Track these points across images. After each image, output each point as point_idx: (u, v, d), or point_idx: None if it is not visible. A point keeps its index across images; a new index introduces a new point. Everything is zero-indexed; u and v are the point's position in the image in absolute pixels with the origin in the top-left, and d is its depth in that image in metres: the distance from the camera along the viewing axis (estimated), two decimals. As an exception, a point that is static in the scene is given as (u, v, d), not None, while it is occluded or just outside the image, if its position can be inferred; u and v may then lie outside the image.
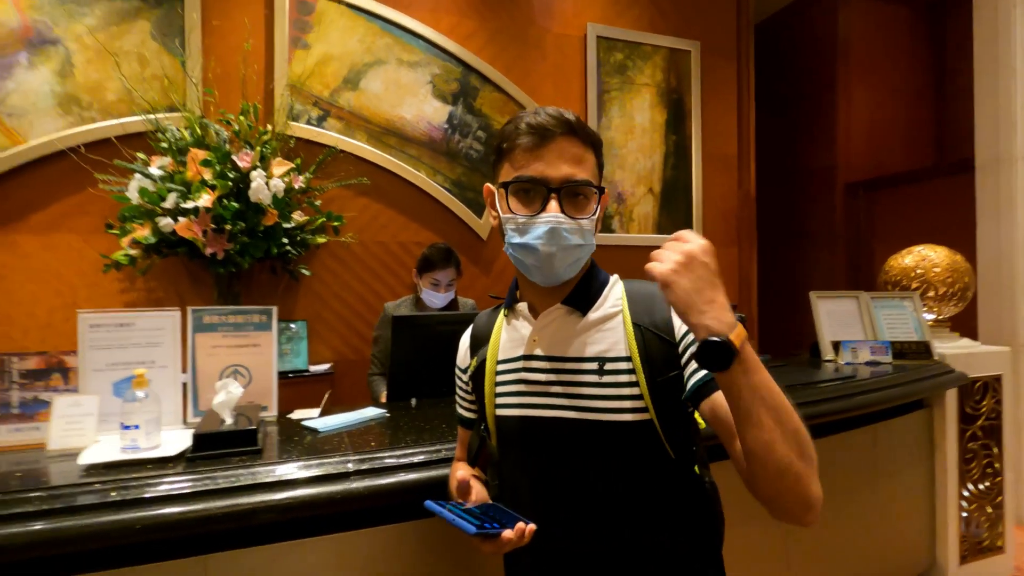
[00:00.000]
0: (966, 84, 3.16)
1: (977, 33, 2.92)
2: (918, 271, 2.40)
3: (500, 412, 0.85)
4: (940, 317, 2.44)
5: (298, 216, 2.36)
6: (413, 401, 1.55)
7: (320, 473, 1.01)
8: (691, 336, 0.75)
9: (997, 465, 2.29)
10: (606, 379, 0.77)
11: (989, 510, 2.27)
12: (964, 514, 2.22)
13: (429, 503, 0.72)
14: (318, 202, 2.50)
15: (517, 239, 0.78)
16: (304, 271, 2.49)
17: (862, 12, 3.91)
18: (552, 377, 0.80)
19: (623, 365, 0.77)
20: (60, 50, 2.29)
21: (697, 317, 0.62)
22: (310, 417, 1.31)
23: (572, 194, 0.77)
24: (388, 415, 1.38)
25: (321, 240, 2.46)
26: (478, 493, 0.82)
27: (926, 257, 2.41)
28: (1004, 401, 2.32)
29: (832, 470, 1.84)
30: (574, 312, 0.83)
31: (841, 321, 2.30)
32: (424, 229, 2.84)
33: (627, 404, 0.76)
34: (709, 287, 0.63)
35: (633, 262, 3.44)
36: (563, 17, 3.14)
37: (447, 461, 1.09)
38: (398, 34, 2.78)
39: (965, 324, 2.84)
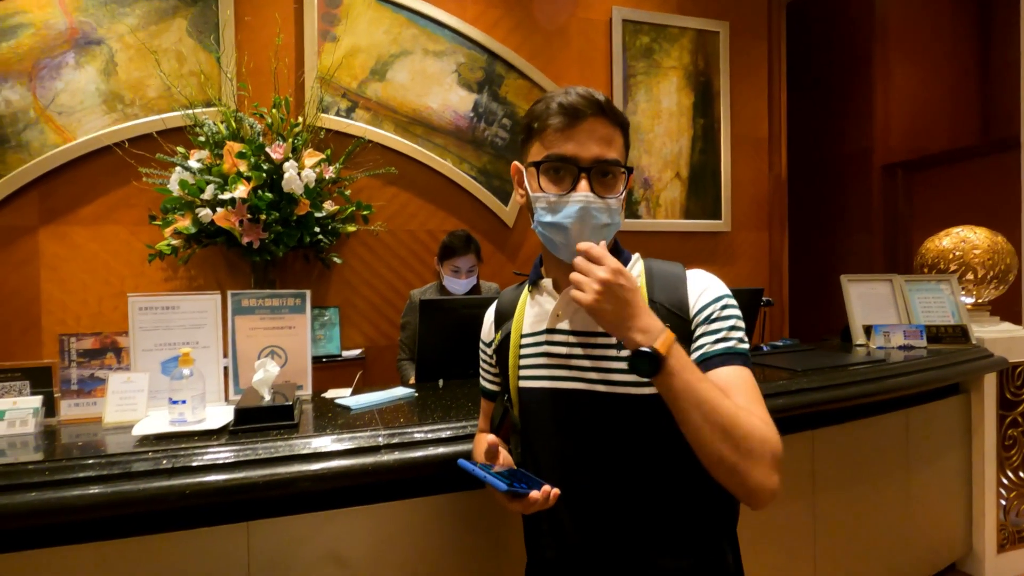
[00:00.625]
0: (1013, 58, 3.02)
1: (1024, 4, 2.78)
2: (956, 253, 2.33)
3: (524, 384, 0.88)
4: (980, 300, 2.37)
5: (329, 206, 2.43)
6: (440, 382, 1.60)
7: (353, 446, 1.06)
8: (708, 312, 0.80)
9: (1039, 452, 2.22)
10: (624, 353, 0.78)
11: (1030, 498, 2.21)
12: (1003, 502, 2.17)
13: (462, 461, 0.76)
14: (348, 192, 2.56)
15: (548, 218, 0.80)
16: (336, 259, 2.57)
17: (901, -14, 3.75)
18: (575, 351, 0.83)
19: None
20: (104, 49, 2.40)
21: (625, 333, 0.70)
22: (342, 396, 1.37)
23: (602, 173, 0.79)
24: (416, 395, 1.43)
25: (351, 229, 2.53)
26: (504, 458, 0.85)
27: (965, 239, 2.34)
28: (1047, 387, 2.24)
29: (862, 454, 1.83)
30: None
31: (874, 305, 2.26)
32: (451, 217, 2.89)
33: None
34: (628, 306, 0.69)
35: (660, 247, 3.43)
36: (588, 1, 3.12)
37: (473, 437, 1.13)
38: (424, 24, 2.81)
39: (1009, 308, 2.74)
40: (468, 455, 1.11)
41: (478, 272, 2.29)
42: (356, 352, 2.63)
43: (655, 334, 0.69)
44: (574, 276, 0.72)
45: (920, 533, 2.00)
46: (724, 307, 0.80)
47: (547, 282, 0.90)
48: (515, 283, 1.03)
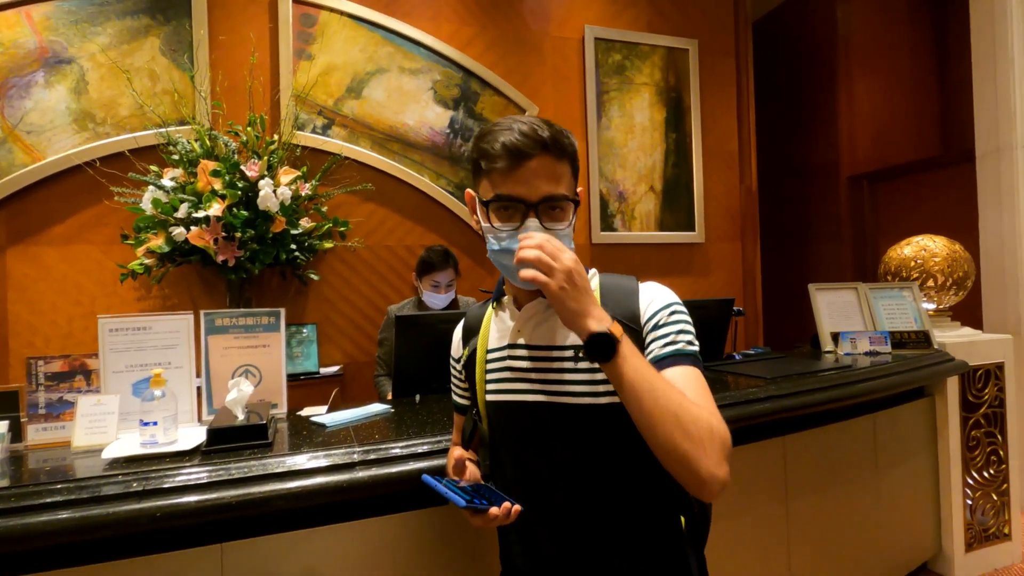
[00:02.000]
0: (967, 73, 3.16)
1: (974, 24, 2.93)
2: (917, 261, 2.42)
3: (490, 398, 0.91)
4: (941, 307, 2.46)
5: (305, 222, 2.43)
6: (417, 397, 1.60)
7: (327, 464, 1.07)
8: (657, 318, 0.83)
9: (1001, 452, 2.30)
10: (582, 365, 0.82)
11: (994, 497, 2.28)
12: (969, 502, 2.24)
13: (426, 477, 0.78)
14: (324, 208, 2.57)
15: (497, 246, 0.83)
16: (313, 276, 2.56)
17: (861, 4, 3.91)
18: (533, 364, 0.86)
19: None
20: (75, 68, 2.38)
21: (582, 320, 0.72)
22: (318, 413, 1.37)
23: (550, 208, 0.82)
24: (393, 410, 1.44)
25: (328, 245, 2.53)
26: (471, 472, 0.88)
27: (925, 247, 2.43)
28: (1007, 388, 2.32)
29: (833, 458, 1.87)
30: None
31: (841, 313, 2.32)
32: (429, 232, 2.90)
33: (601, 388, 0.81)
34: (586, 294, 0.73)
35: (635, 259, 3.48)
36: (561, 20, 3.19)
37: (448, 451, 1.14)
38: (399, 43, 2.85)
39: (970, 313, 2.85)
40: (442, 469, 1.12)
41: (456, 287, 2.31)
42: (334, 369, 2.61)
43: (607, 322, 0.72)
44: (540, 257, 0.72)
45: (891, 534, 2.05)
46: (672, 313, 0.82)
47: (508, 299, 0.93)
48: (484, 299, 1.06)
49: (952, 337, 2.30)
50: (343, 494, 1.04)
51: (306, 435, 1.21)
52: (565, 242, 0.83)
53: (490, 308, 0.97)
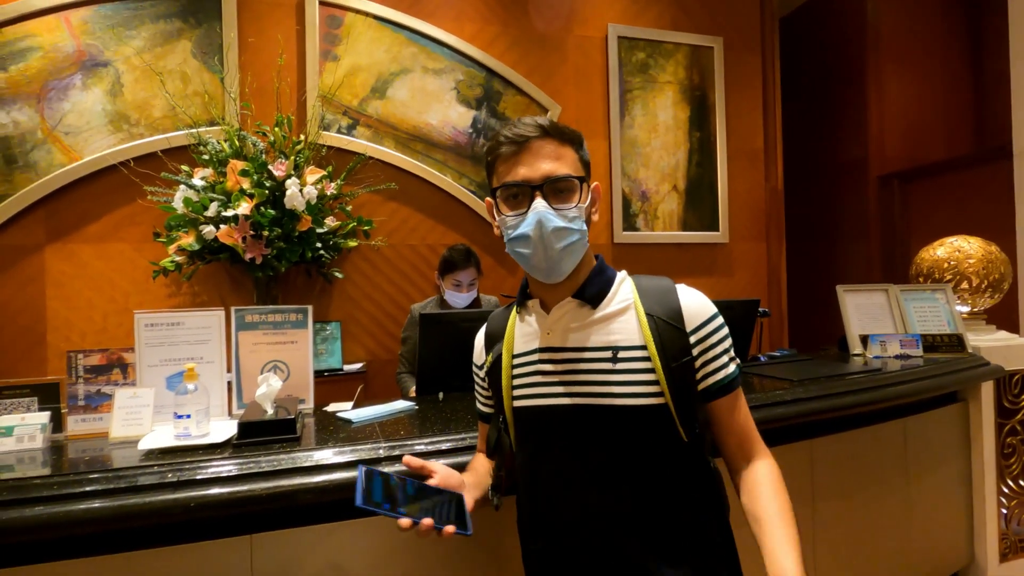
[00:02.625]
0: (1004, 68, 3.07)
1: (1013, 18, 2.84)
2: (950, 263, 2.35)
3: (518, 404, 0.90)
4: (975, 309, 2.39)
5: (331, 221, 2.47)
6: (440, 395, 1.62)
7: (354, 459, 1.08)
8: (707, 330, 0.85)
9: (1039, 460, 2.22)
10: (620, 366, 0.82)
11: (1031, 507, 2.21)
12: (1004, 511, 2.17)
13: (360, 467, 0.82)
14: (349, 207, 2.60)
15: (511, 234, 0.84)
16: (337, 274, 2.60)
17: (892, -1, 3.82)
18: (567, 367, 0.85)
19: (638, 353, 0.83)
20: (111, 71, 2.45)
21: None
22: (344, 409, 1.39)
23: (555, 190, 0.83)
24: (417, 408, 1.45)
25: (353, 244, 2.56)
26: (446, 478, 0.90)
27: (959, 248, 2.36)
28: (1045, 395, 2.25)
29: (861, 463, 1.83)
30: (584, 305, 0.88)
31: (870, 315, 2.27)
32: (451, 231, 2.92)
33: (642, 389, 0.81)
34: None
35: (658, 259, 3.46)
36: (583, 19, 3.18)
37: (472, 448, 1.15)
38: (423, 43, 2.87)
39: (1006, 317, 2.76)
40: (465, 466, 1.12)
41: (479, 286, 2.32)
42: (358, 366, 2.65)
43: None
44: None
45: (921, 542, 2.00)
46: (718, 327, 0.86)
47: (534, 302, 0.92)
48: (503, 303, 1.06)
49: (987, 341, 2.23)
50: (369, 489, 1.05)
51: (333, 430, 1.23)
52: (576, 222, 0.83)
53: (514, 312, 0.96)
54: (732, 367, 0.86)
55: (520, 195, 0.83)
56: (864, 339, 2.20)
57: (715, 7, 3.44)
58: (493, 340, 0.97)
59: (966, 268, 2.32)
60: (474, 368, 1.04)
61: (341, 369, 2.56)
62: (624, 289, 0.89)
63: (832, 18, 4.06)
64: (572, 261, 0.86)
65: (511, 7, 3.04)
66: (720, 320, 0.87)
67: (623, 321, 0.85)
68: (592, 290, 0.88)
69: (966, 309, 2.38)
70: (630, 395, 0.81)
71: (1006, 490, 2.18)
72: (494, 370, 0.95)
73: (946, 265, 2.36)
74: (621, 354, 0.83)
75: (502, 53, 3.01)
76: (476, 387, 1.04)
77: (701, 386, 0.85)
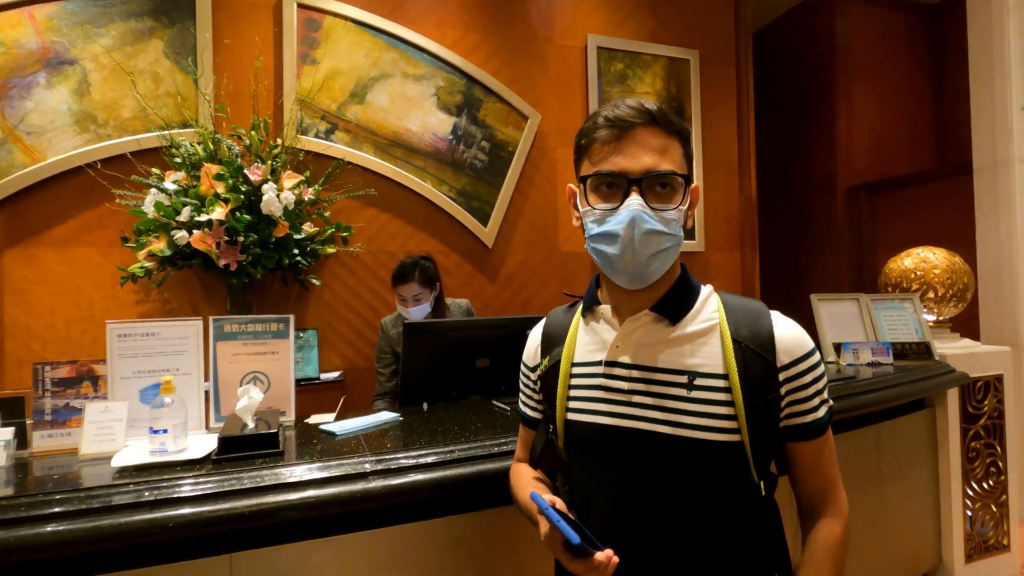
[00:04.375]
0: (965, 86, 3.20)
1: (972, 38, 2.97)
2: (917, 273, 2.44)
3: (572, 416, 0.82)
4: (940, 318, 2.47)
5: (308, 227, 2.42)
6: (425, 405, 1.59)
7: (340, 473, 1.06)
8: (800, 368, 0.76)
9: (1001, 464, 2.31)
10: (695, 395, 0.74)
11: (994, 509, 2.29)
12: (969, 513, 2.25)
13: (535, 495, 0.70)
14: (327, 213, 2.56)
15: (595, 229, 0.75)
16: (314, 281, 2.55)
17: (860, 18, 3.97)
18: (637, 387, 0.77)
19: (717, 383, 0.74)
20: (77, 70, 2.36)
21: None
22: (326, 421, 1.36)
23: (655, 185, 0.74)
24: (401, 419, 1.43)
25: (331, 250, 2.52)
26: (562, 508, 0.75)
27: (925, 259, 2.45)
28: (1006, 400, 2.34)
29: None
30: (662, 320, 0.79)
31: (843, 323, 2.33)
32: (431, 238, 2.90)
33: (718, 423, 0.73)
34: None
35: (637, 268, 3.47)
36: (564, 29, 3.21)
37: (460, 461, 1.14)
38: (403, 48, 2.85)
39: (967, 325, 2.87)
40: (456, 480, 1.11)
41: (437, 296, 2.23)
42: (335, 375, 2.60)
43: None
44: None
45: (892, 545, 2.05)
46: (814, 366, 0.77)
47: (605, 309, 0.83)
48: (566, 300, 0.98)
49: (952, 348, 2.32)
50: (356, 504, 1.03)
51: (316, 443, 1.20)
52: (673, 227, 0.75)
53: (577, 315, 0.87)
54: (823, 411, 0.78)
55: (615, 187, 0.74)
56: (837, 347, 2.26)
57: (692, 21, 3.51)
58: (552, 343, 0.88)
59: (932, 278, 2.40)
60: (524, 368, 0.95)
61: (318, 378, 2.51)
62: (709, 307, 0.80)
63: (803, 34, 4.19)
64: (661, 269, 0.77)
65: (493, 15, 3.05)
66: (817, 358, 0.78)
67: (705, 343, 0.76)
68: (674, 304, 0.79)
69: (932, 318, 2.47)
70: (703, 428, 0.73)
71: (971, 493, 2.26)
72: (549, 375, 0.86)
73: (913, 275, 2.44)
74: (698, 380, 0.74)
75: (483, 61, 3.00)
76: (524, 389, 0.95)
77: (784, 424, 0.77)
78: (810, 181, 4.14)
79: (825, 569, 0.77)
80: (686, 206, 0.77)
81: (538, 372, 0.90)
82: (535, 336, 0.94)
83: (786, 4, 4.25)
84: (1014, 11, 2.78)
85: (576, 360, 0.84)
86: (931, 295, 2.42)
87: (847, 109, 3.92)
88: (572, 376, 0.84)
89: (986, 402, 2.30)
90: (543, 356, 0.90)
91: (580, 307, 0.89)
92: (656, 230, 0.73)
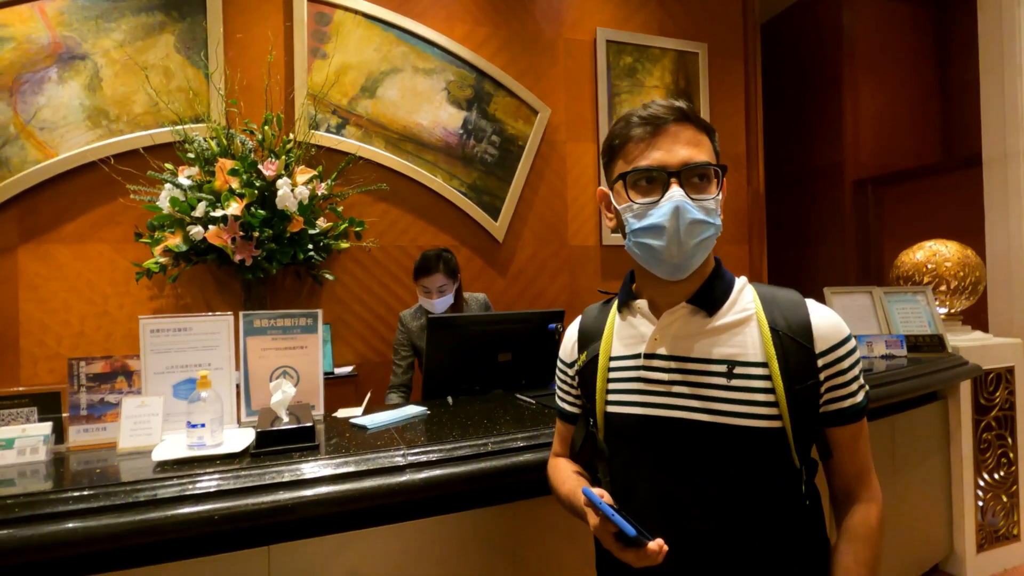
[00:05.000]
0: (972, 79, 3.21)
1: (982, 31, 2.97)
2: (929, 266, 2.45)
3: (612, 409, 0.84)
4: (952, 311, 2.49)
5: (322, 222, 2.42)
6: (449, 399, 1.60)
7: (376, 467, 1.06)
8: (838, 354, 0.77)
9: (1012, 455, 2.33)
10: (735, 383, 0.76)
11: (1004, 499, 2.32)
12: (980, 503, 2.27)
13: (587, 491, 0.71)
14: (340, 208, 2.56)
15: (638, 224, 0.77)
16: (328, 276, 2.55)
17: (867, 9, 3.96)
18: (676, 377, 0.79)
19: (757, 371, 0.76)
20: (89, 64, 2.35)
21: None
22: (355, 415, 1.37)
23: (693, 176, 0.76)
24: (428, 412, 1.44)
25: (344, 245, 2.52)
26: (609, 501, 0.76)
27: (937, 252, 2.46)
28: (1017, 392, 2.36)
29: (852, 461, 1.89)
30: (699, 312, 0.81)
31: (856, 316, 2.35)
32: (442, 233, 2.90)
33: (759, 410, 0.74)
34: None
35: (647, 261, 3.48)
36: (573, 22, 3.20)
37: (493, 454, 1.15)
38: (413, 42, 2.84)
39: (976, 318, 2.89)
40: (491, 472, 1.12)
41: (457, 288, 2.25)
42: (348, 369, 2.60)
43: None
44: None
45: (905, 536, 2.07)
46: (851, 351, 0.79)
47: (642, 303, 0.85)
48: (600, 298, 0.99)
49: (964, 341, 2.33)
50: (395, 496, 1.04)
51: (349, 437, 1.21)
52: (714, 215, 0.77)
53: (613, 310, 0.89)
54: (860, 396, 0.79)
55: (655, 181, 0.76)
56: (851, 340, 2.27)
57: (700, 14, 3.50)
58: (589, 338, 0.90)
59: (944, 271, 2.42)
60: (560, 365, 0.97)
61: (332, 373, 2.51)
62: (745, 297, 0.82)
63: (809, 26, 4.18)
64: (702, 257, 0.79)
65: (502, 9, 3.04)
66: (853, 343, 0.79)
67: (743, 333, 0.78)
68: (710, 295, 0.81)
69: (944, 310, 2.48)
70: (744, 415, 0.74)
71: (982, 483, 2.28)
72: (587, 370, 0.88)
73: (925, 268, 2.46)
74: (738, 369, 0.76)
75: (493, 55, 3.00)
76: (561, 385, 0.97)
77: (823, 410, 0.78)
78: (817, 174, 4.14)
79: (864, 553, 0.79)
80: (722, 196, 0.79)
81: (576, 367, 0.92)
82: (571, 333, 0.96)
83: (792, -3, 4.25)
84: (1025, 3, 2.79)
85: (614, 354, 0.86)
86: (943, 288, 2.43)
87: (853, 101, 3.92)
88: (611, 370, 0.85)
89: (997, 394, 2.32)
90: (580, 352, 0.91)
91: (615, 303, 0.91)
92: (699, 219, 0.75)
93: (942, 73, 4.12)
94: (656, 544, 0.66)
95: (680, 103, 0.77)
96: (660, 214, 0.75)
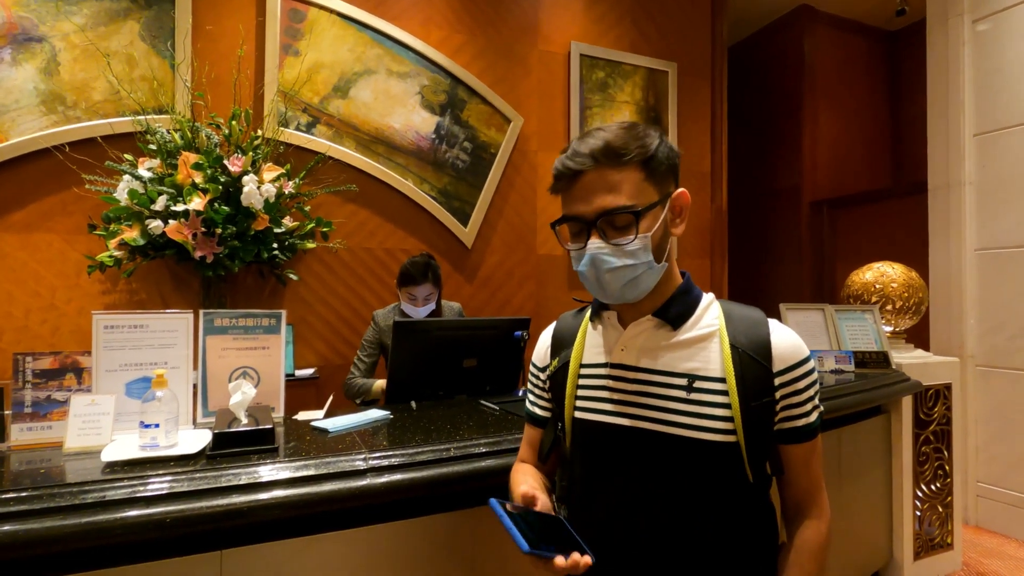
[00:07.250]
0: (920, 112, 3.40)
1: (930, 68, 3.15)
2: (877, 286, 2.57)
3: (579, 415, 0.86)
4: (897, 329, 2.62)
5: (288, 221, 2.38)
6: (412, 403, 1.60)
7: (336, 471, 1.05)
8: (795, 374, 0.79)
9: (947, 467, 2.46)
10: (694, 396, 0.78)
11: (940, 509, 2.44)
12: (918, 513, 2.39)
13: (493, 502, 0.71)
14: (308, 208, 2.52)
15: (575, 267, 0.83)
16: (292, 276, 2.50)
17: (825, 40, 4.16)
18: (638, 388, 0.82)
19: (716, 386, 0.78)
20: (46, 48, 2.26)
21: None
22: (316, 418, 1.35)
23: (611, 223, 0.78)
24: (391, 416, 1.43)
25: (311, 245, 2.48)
26: (543, 504, 0.79)
27: (885, 273, 2.59)
28: (953, 408, 2.50)
29: (801, 471, 1.96)
30: (664, 325, 0.83)
31: (808, 332, 2.44)
32: (410, 236, 2.89)
33: (715, 424, 0.77)
34: None
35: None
36: (548, 35, 3.25)
37: (456, 459, 1.15)
38: (388, 45, 2.83)
39: (918, 336, 3.04)
40: (452, 477, 1.12)
41: (439, 296, 2.27)
42: (310, 371, 2.56)
43: None
44: None
45: (848, 545, 2.16)
46: (807, 372, 0.81)
47: (611, 314, 0.88)
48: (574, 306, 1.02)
49: (907, 358, 2.46)
50: (355, 501, 1.03)
51: (310, 440, 1.19)
52: (639, 255, 0.78)
53: (586, 319, 0.93)
54: (814, 416, 0.82)
55: (578, 228, 0.80)
56: (803, 355, 2.36)
57: (671, 34, 3.61)
58: (561, 345, 0.93)
59: (891, 291, 2.54)
60: (533, 369, 0.99)
61: (293, 375, 2.46)
62: (710, 314, 0.84)
63: (774, 53, 4.35)
64: (638, 291, 0.81)
65: (478, 17, 3.06)
66: (811, 365, 0.81)
67: (704, 348, 0.80)
68: (674, 311, 0.83)
69: (889, 329, 2.61)
70: (700, 428, 0.77)
71: (920, 494, 2.40)
72: (559, 376, 0.91)
73: (873, 288, 2.58)
74: (697, 383, 0.79)
75: (468, 62, 3.01)
76: (532, 389, 0.99)
77: (778, 427, 0.81)
78: (776, 194, 4.30)
79: (809, 566, 0.82)
80: (657, 225, 0.80)
81: (548, 372, 0.94)
82: (545, 338, 0.99)
83: (759, 22, 4.42)
84: (969, 44, 2.97)
85: (584, 361, 0.89)
86: (889, 307, 2.56)
87: (812, 126, 4.10)
88: (580, 376, 0.88)
89: (936, 409, 2.45)
90: (553, 357, 0.94)
91: (588, 312, 0.94)
92: (616, 266, 0.78)
93: (894, 105, 4.35)
94: (564, 561, 0.66)
95: (598, 144, 0.77)
96: (583, 263, 0.80)
